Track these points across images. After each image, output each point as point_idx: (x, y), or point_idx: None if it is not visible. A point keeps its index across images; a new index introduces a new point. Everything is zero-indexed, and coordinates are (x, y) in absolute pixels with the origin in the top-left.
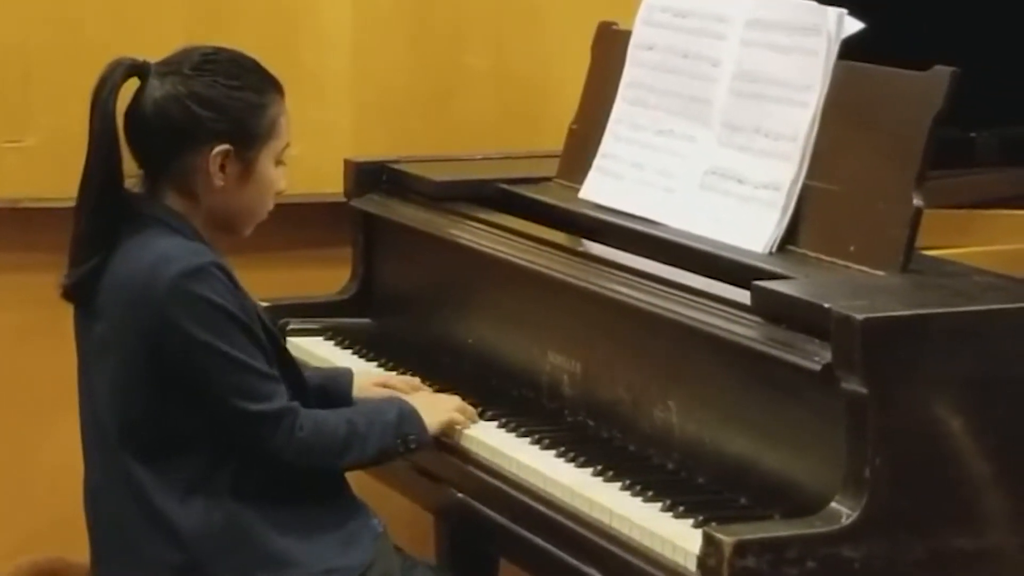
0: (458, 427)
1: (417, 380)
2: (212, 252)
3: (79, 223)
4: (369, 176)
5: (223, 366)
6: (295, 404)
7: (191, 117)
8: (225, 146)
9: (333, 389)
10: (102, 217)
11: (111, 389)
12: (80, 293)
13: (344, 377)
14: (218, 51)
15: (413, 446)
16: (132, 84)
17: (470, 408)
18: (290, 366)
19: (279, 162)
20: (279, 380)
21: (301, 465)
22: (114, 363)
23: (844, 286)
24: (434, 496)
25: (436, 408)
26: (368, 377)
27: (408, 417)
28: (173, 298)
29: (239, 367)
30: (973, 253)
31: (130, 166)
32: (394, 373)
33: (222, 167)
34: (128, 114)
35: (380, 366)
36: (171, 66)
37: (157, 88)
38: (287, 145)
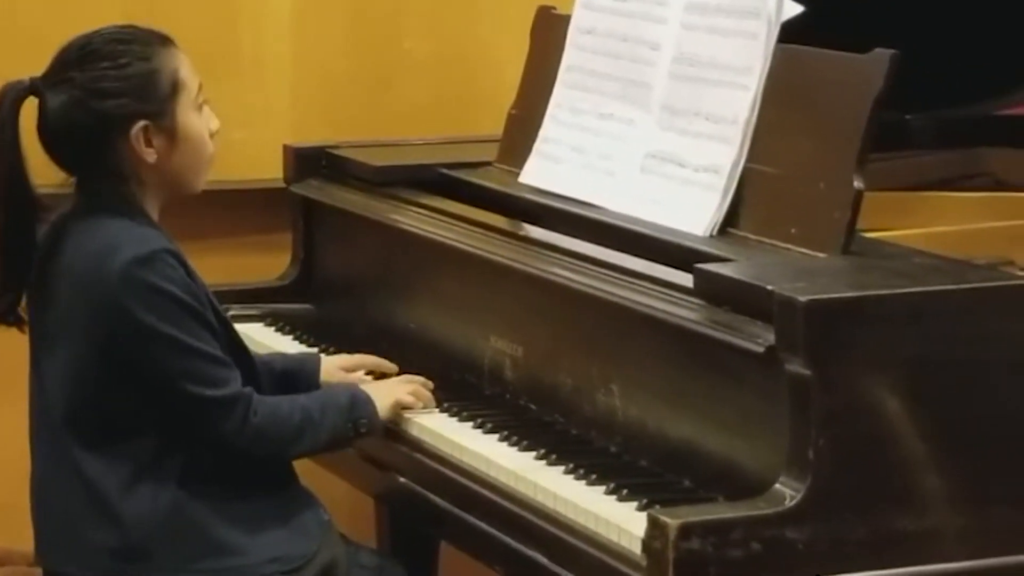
0: (410, 410)
1: (385, 361)
2: (163, 237)
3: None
4: (308, 161)
5: (175, 353)
6: (248, 390)
7: (97, 114)
8: (141, 123)
9: (299, 374)
10: (14, 253)
11: (61, 376)
12: (12, 313)
13: (311, 362)
14: (92, 37)
15: (364, 431)
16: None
17: (425, 391)
18: (242, 352)
19: (200, 108)
20: (232, 366)
21: (254, 451)
22: (64, 350)
23: (786, 268)
24: (376, 481)
25: (388, 392)
26: (335, 361)
27: (360, 402)
28: (123, 285)
29: (191, 353)
30: (911, 235)
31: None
32: (371, 355)
33: (148, 142)
34: (40, 133)
35: (321, 351)
36: (57, 73)
37: (55, 99)
38: (200, 87)
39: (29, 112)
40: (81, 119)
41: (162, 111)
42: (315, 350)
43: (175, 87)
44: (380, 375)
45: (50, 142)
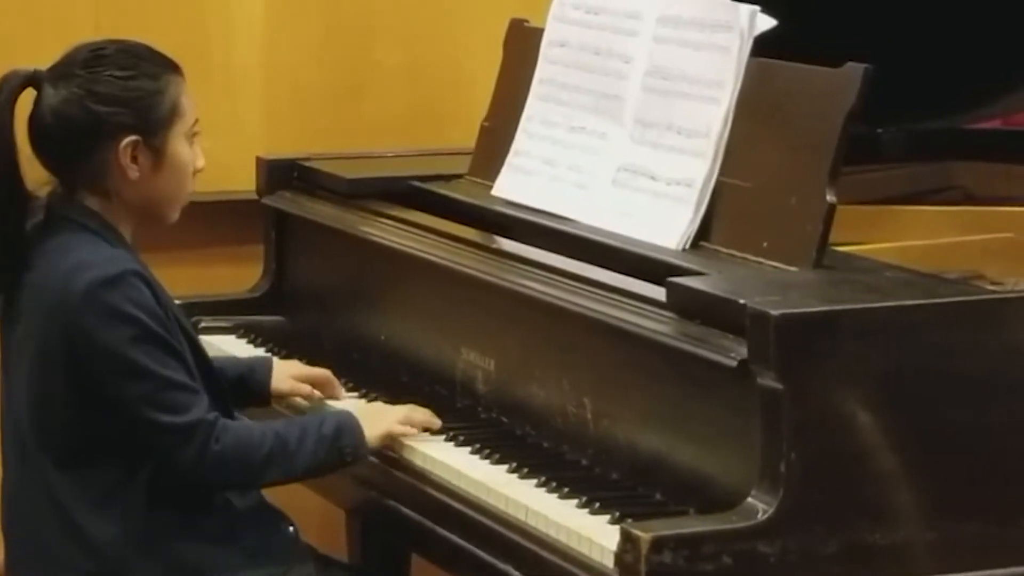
0: (403, 439)
1: (335, 381)
2: (131, 258)
3: None
4: (281, 173)
5: (134, 377)
6: (212, 416)
7: (92, 116)
8: (132, 137)
9: (251, 379)
10: (5, 240)
11: (28, 394)
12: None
13: (262, 369)
14: (106, 44)
15: (349, 459)
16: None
17: (419, 417)
18: (210, 373)
19: (191, 141)
20: (197, 391)
21: (214, 480)
22: (30, 367)
23: (758, 282)
24: (347, 494)
25: (380, 419)
26: (288, 368)
27: (347, 430)
28: (86, 307)
29: (150, 378)
30: (883, 248)
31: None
32: (325, 370)
33: (134, 158)
34: (30, 125)
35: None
36: (63, 69)
37: (53, 95)
38: (196, 122)
39: (24, 106)
40: (75, 118)
41: (155, 132)
42: (268, 354)
43: (173, 113)
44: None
45: (38, 137)
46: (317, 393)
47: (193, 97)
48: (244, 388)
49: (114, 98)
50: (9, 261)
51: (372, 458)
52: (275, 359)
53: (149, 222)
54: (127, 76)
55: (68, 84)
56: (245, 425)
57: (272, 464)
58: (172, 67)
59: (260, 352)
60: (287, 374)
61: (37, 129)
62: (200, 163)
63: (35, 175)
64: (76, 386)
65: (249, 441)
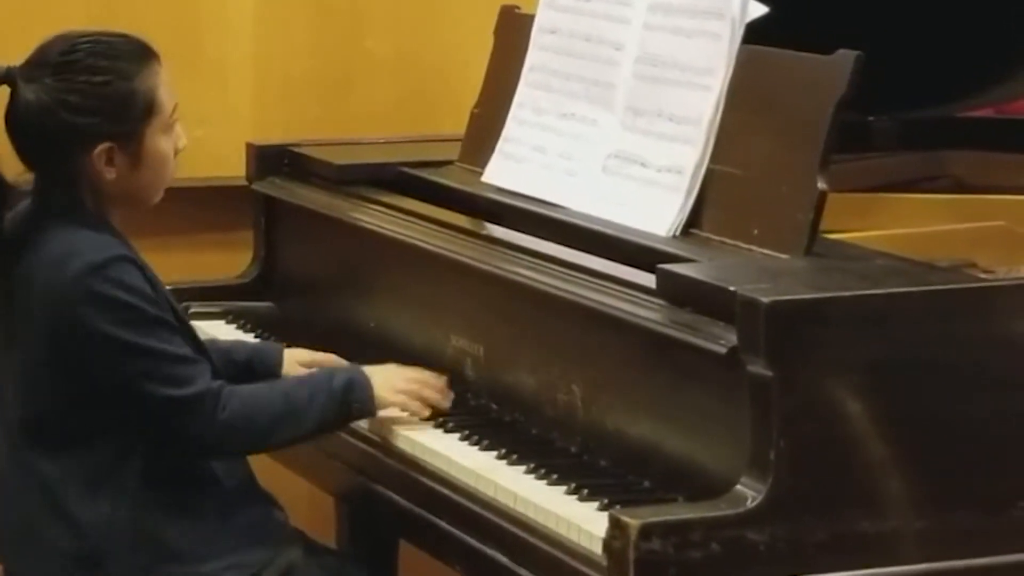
0: (395, 426)
1: (344, 361)
2: (120, 244)
3: None
4: (271, 160)
5: (133, 357)
6: (218, 384)
7: (65, 125)
8: (106, 144)
9: (258, 364)
10: None
11: (17, 381)
12: None
13: (272, 353)
14: (79, 43)
15: (356, 415)
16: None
17: (434, 383)
18: (202, 354)
19: (171, 129)
20: (199, 362)
21: (226, 447)
22: (21, 355)
23: (748, 269)
24: (335, 479)
25: (392, 378)
26: (295, 356)
27: (357, 384)
28: (78, 294)
29: (150, 355)
30: (874, 236)
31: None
32: (332, 355)
33: (109, 160)
34: (7, 121)
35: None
36: (35, 70)
37: (26, 94)
38: (174, 108)
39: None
40: (48, 125)
41: (131, 134)
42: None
43: (149, 110)
44: None
45: (15, 134)
46: None
47: (172, 81)
48: (251, 373)
49: (87, 107)
50: None
51: (361, 444)
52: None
53: (132, 209)
54: (100, 82)
55: (40, 88)
56: (251, 389)
57: (282, 424)
58: (147, 56)
59: (249, 338)
60: (296, 360)
61: (13, 127)
62: (181, 143)
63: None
64: (68, 372)
65: (255, 405)
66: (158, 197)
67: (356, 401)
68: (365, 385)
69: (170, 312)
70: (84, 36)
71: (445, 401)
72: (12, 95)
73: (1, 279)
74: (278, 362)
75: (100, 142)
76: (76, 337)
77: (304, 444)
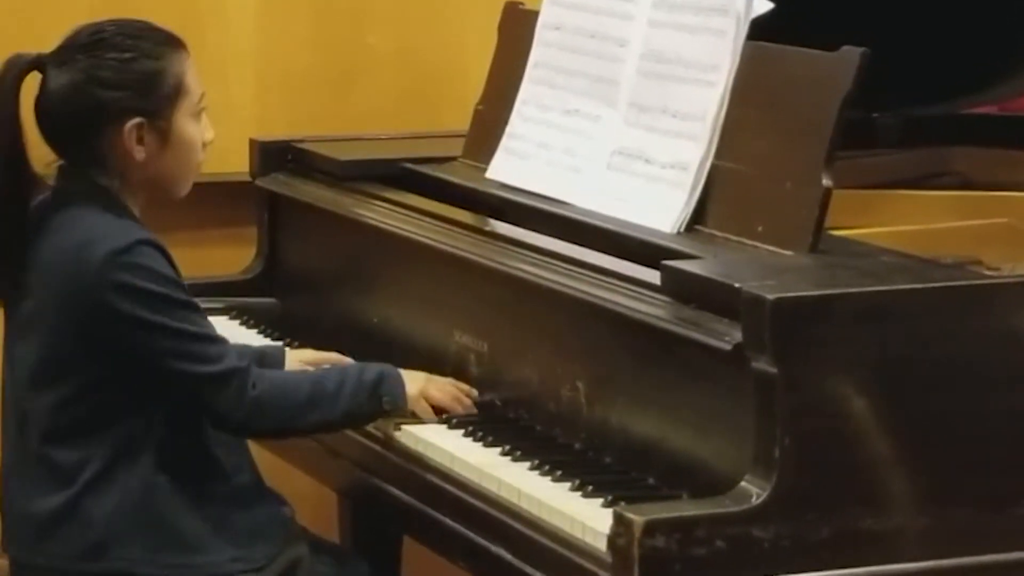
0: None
1: (348, 359)
2: (140, 228)
3: None
4: (274, 155)
5: (162, 337)
6: (246, 363)
7: (95, 101)
8: (136, 120)
9: (262, 366)
10: (9, 221)
11: (35, 369)
12: (1, 290)
13: (275, 357)
14: (106, 25)
15: (388, 408)
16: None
17: (457, 401)
18: None
19: (198, 116)
20: (224, 341)
21: (254, 426)
22: (38, 340)
23: (753, 266)
24: (339, 475)
25: (423, 379)
26: (299, 356)
27: (389, 379)
28: (103, 279)
29: (179, 335)
30: (879, 233)
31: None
32: (335, 353)
33: (139, 140)
34: (36, 109)
35: (286, 346)
36: (65, 53)
37: (56, 79)
38: (202, 96)
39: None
40: (78, 103)
41: (160, 112)
42: (280, 343)
43: (177, 91)
44: None
45: (44, 120)
46: None
47: (198, 71)
48: None
49: (116, 82)
50: (14, 241)
51: (361, 439)
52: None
53: (159, 198)
54: (128, 58)
55: (71, 69)
56: (281, 373)
57: (312, 408)
58: (175, 43)
59: (254, 334)
60: (299, 360)
61: (43, 113)
62: (209, 135)
63: (42, 152)
64: (88, 356)
65: (285, 386)
66: (185, 189)
67: (387, 394)
68: (396, 380)
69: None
70: (112, 21)
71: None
72: (42, 84)
73: (19, 267)
74: (280, 364)
75: (130, 117)
76: (104, 322)
77: (332, 434)
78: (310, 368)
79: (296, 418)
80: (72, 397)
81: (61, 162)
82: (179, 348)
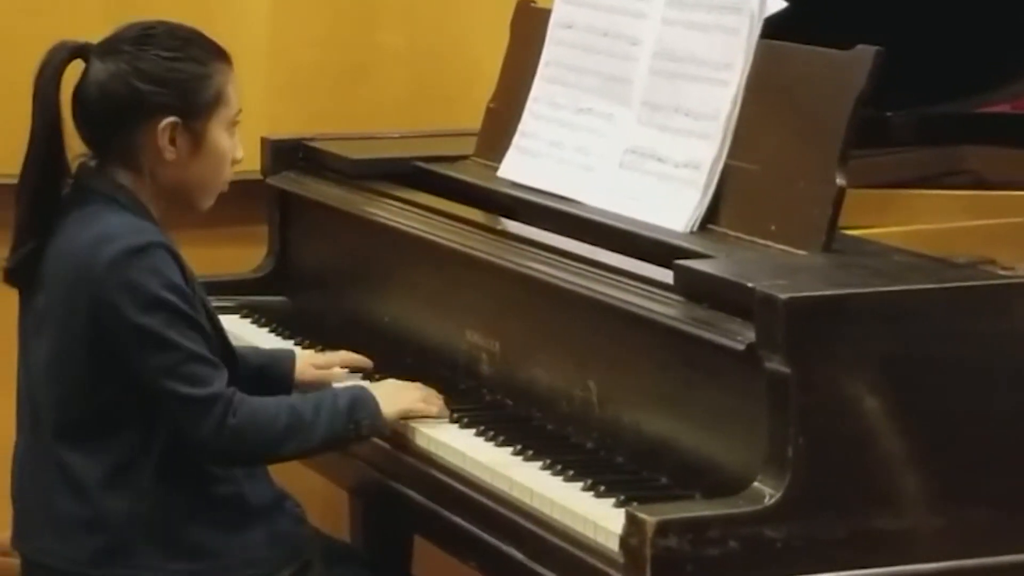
0: (418, 417)
1: (359, 356)
2: (157, 231)
3: (20, 208)
4: (285, 154)
5: (156, 348)
6: (231, 390)
7: (134, 93)
8: (172, 118)
9: (272, 371)
10: (42, 203)
11: (46, 364)
12: (22, 275)
13: (285, 360)
14: (157, 24)
15: (365, 432)
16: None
17: (438, 401)
18: (230, 354)
19: (232, 131)
20: (218, 365)
21: (234, 454)
22: (50, 337)
23: (766, 265)
24: (349, 474)
25: (396, 394)
26: (308, 358)
27: (362, 402)
28: (110, 277)
29: (173, 350)
30: (893, 233)
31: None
32: (343, 351)
33: (172, 140)
34: (74, 96)
35: (297, 344)
36: (111, 44)
37: (99, 68)
38: (239, 112)
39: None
40: (117, 93)
41: (197, 116)
42: (291, 343)
43: (217, 99)
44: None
45: (80, 108)
46: (343, 372)
47: (240, 88)
48: (264, 378)
49: (158, 77)
50: (41, 227)
51: (376, 439)
52: (297, 350)
53: (180, 205)
54: (173, 57)
55: (115, 59)
56: (261, 401)
57: (290, 438)
58: (221, 55)
59: (265, 332)
60: (309, 363)
61: (80, 101)
62: (239, 153)
63: (72, 144)
64: (97, 357)
65: (265, 414)
66: (207, 201)
67: (364, 418)
68: (369, 401)
69: (200, 308)
70: (162, 21)
71: (444, 413)
72: (83, 72)
73: (37, 258)
74: (291, 367)
75: (166, 115)
76: (106, 321)
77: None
78: (318, 371)
79: (273, 447)
80: (79, 397)
81: (83, 159)
82: (169, 364)
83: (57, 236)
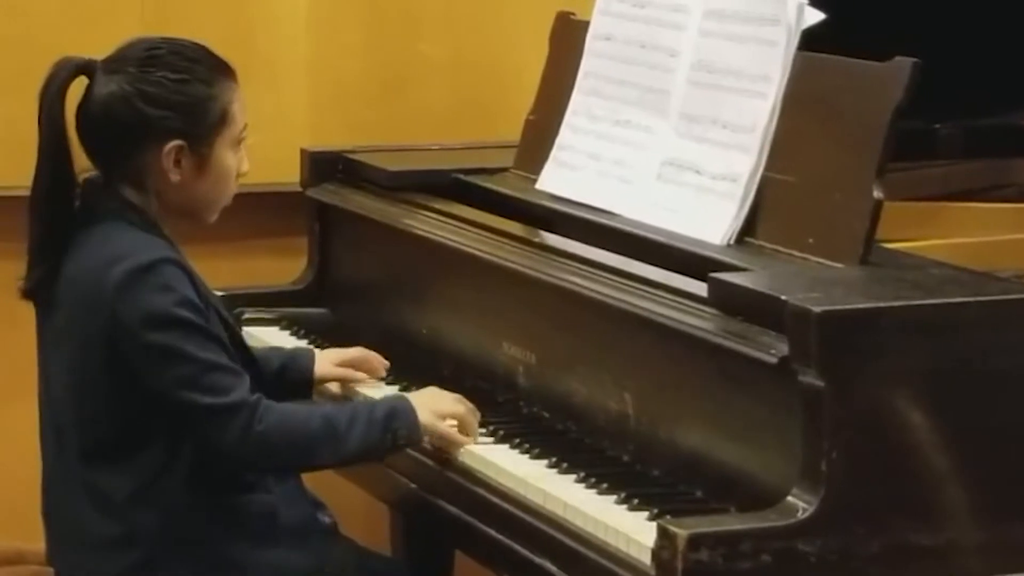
0: (449, 437)
1: (376, 355)
2: (167, 247)
3: (34, 226)
4: (325, 165)
5: (173, 362)
6: (256, 397)
7: (140, 116)
8: (177, 142)
9: (292, 369)
10: (53, 221)
11: (65, 382)
12: (39, 293)
13: (304, 357)
14: (162, 43)
15: (402, 442)
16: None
17: (473, 413)
18: (251, 364)
19: (238, 147)
20: (239, 373)
21: (261, 462)
22: (68, 356)
23: (801, 278)
24: (388, 488)
25: (434, 404)
26: (328, 356)
27: (400, 412)
28: (123, 295)
29: (190, 361)
30: (936, 246)
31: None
32: (360, 347)
33: (177, 162)
34: (78, 113)
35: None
36: (117, 63)
37: (104, 87)
38: (244, 127)
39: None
40: (122, 115)
41: (202, 138)
42: (308, 345)
43: (223, 120)
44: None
45: (85, 125)
46: (361, 375)
47: (245, 102)
48: (284, 377)
49: (164, 101)
50: (55, 246)
51: (412, 452)
52: (315, 349)
53: (186, 221)
54: (179, 80)
55: (120, 79)
56: (291, 407)
57: (321, 446)
58: (226, 72)
59: (304, 344)
60: (328, 361)
61: (85, 118)
62: (245, 167)
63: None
64: (115, 375)
65: (294, 422)
66: (214, 216)
67: (401, 429)
68: (408, 412)
69: (216, 319)
70: (167, 39)
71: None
72: (88, 89)
73: (52, 277)
74: (310, 366)
75: (171, 139)
76: (120, 339)
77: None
78: (339, 369)
79: (304, 454)
80: (101, 414)
81: (88, 176)
82: (189, 377)
83: (71, 255)
